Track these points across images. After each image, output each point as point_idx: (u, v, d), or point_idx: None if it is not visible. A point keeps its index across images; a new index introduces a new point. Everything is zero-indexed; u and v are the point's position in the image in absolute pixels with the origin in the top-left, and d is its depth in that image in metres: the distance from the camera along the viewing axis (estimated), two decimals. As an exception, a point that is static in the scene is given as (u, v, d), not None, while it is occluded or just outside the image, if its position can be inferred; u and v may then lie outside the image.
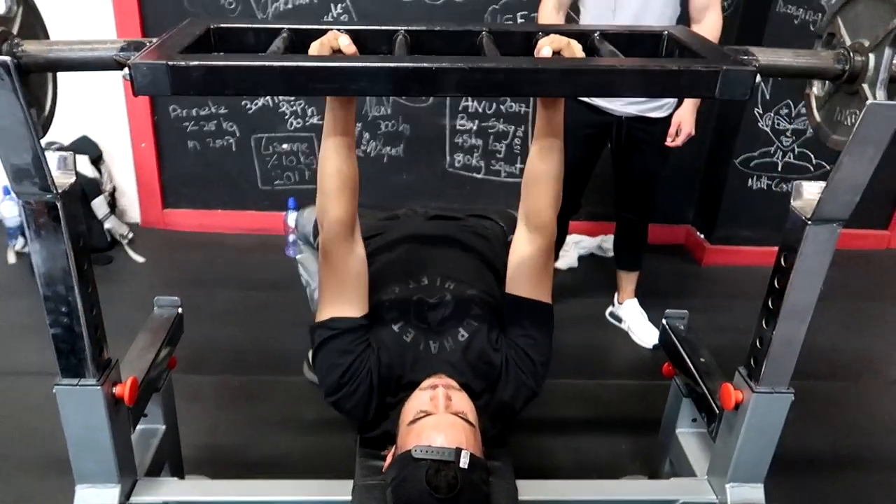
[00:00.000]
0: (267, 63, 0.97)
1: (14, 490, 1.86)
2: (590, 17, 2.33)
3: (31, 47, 1.06)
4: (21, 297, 2.72)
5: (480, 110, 3.28)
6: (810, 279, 1.24)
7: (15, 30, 1.08)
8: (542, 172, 1.34)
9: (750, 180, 3.27)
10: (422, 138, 3.33)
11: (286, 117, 3.25)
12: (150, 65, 0.93)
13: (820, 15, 2.93)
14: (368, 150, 3.33)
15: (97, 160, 3.21)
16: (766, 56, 1.13)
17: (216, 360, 2.45)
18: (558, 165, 1.33)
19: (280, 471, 1.97)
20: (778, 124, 3.15)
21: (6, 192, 3.03)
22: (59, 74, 1.16)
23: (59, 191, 1.09)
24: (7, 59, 0.95)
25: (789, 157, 3.22)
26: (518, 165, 3.41)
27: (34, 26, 1.16)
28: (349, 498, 1.34)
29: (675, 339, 1.71)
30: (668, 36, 1.21)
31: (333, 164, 1.32)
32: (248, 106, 3.22)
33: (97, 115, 3.18)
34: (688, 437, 1.68)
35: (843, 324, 2.91)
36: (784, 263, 1.26)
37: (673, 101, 2.38)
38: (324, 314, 1.37)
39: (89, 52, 1.08)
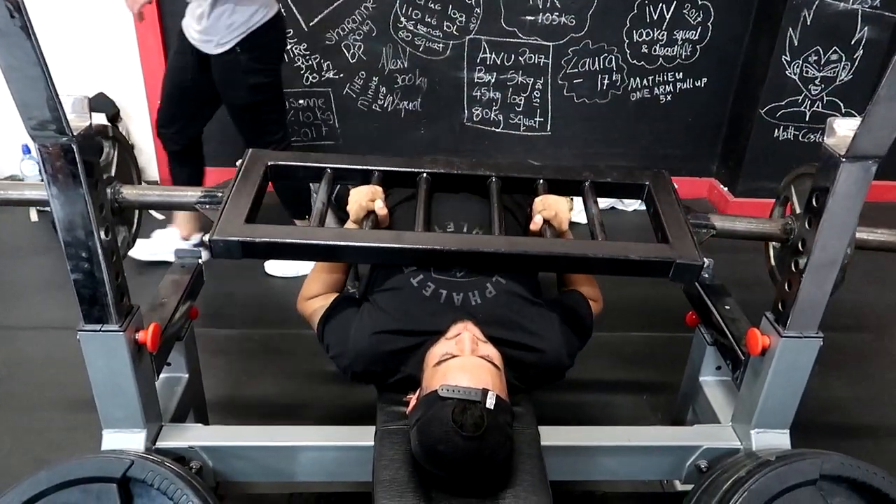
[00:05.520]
0: (310, 242, 1.27)
1: (44, 440, 1.90)
2: None
3: (127, 192, 1.34)
4: (44, 254, 2.75)
5: (499, 62, 3.21)
6: (843, 219, 1.20)
7: (113, 172, 1.38)
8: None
9: (776, 131, 3.19)
10: (439, 92, 3.28)
11: (302, 72, 3.21)
12: (225, 241, 1.23)
13: None
14: (385, 105, 3.29)
15: (114, 118, 3.20)
16: (722, 223, 1.43)
17: (237, 315, 2.47)
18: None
19: (303, 421, 1.99)
20: (806, 72, 3.05)
21: (25, 150, 3.04)
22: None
23: (75, 133, 1.07)
24: (16, -4, 0.92)
25: (818, 107, 3.13)
26: (537, 118, 3.35)
27: (128, 163, 1.48)
28: (371, 443, 1.34)
29: (698, 287, 1.68)
30: (648, 190, 1.47)
31: (325, 287, 1.49)
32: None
33: (113, 72, 3.16)
34: (712, 385, 1.67)
35: (870, 277, 2.85)
36: (815, 203, 1.22)
37: (235, 35, 2.26)
38: (317, 326, 1.44)
39: (174, 198, 1.38)
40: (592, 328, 1.45)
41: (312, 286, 1.50)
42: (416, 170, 1.48)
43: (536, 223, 1.38)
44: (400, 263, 1.33)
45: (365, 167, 1.47)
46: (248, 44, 2.29)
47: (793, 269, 1.29)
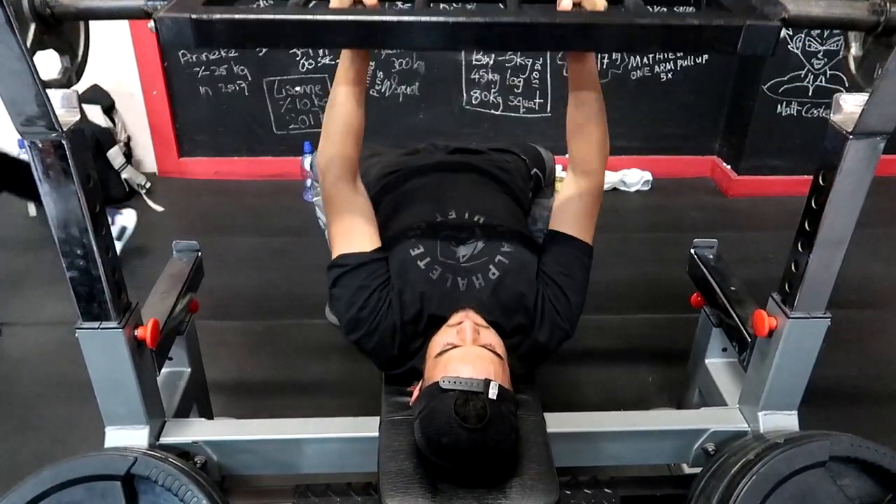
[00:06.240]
0: (287, 17, 0.98)
1: (47, 435, 1.90)
2: None
3: None
4: (42, 249, 2.73)
5: (497, 43, 3.17)
6: (851, 197, 1.18)
7: None
8: (580, 120, 1.37)
9: (779, 106, 3.14)
10: (437, 75, 3.24)
11: (298, 58, 3.18)
12: (174, 18, 0.96)
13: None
14: (383, 90, 3.25)
15: (109, 109, 3.17)
16: (796, 6, 1.10)
17: (239, 306, 2.46)
18: (597, 112, 1.36)
19: (308, 411, 1.98)
20: (809, 46, 3.00)
21: (21, 145, 3.02)
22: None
23: (65, 129, 1.05)
24: (-4, -16, 0.90)
25: (821, 81, 3.08)
26: (537, 100, 3.31)
27: None
28: (376, 434, 1.33)
29: (703, 268, 1.67)
30: None
31: (341, 111, 1.30)
32: (259, 48, 3.15)
33: (106, 63, 3.12)
34: (718, 367, 1.65)
35: (875, 252, 2.83)
36: (822, 182, 1.20)
37: None
38: (335, 253, 1.35)
39: (119, 1, 1.10)
40: (592, 257, 1.40)
41: (335, 125, 1.30)
42: None
43: (565, 6, 1.12)
44: (407, 46, 1.10)
45: None
46: None
47: (799, 248, 1.27)
